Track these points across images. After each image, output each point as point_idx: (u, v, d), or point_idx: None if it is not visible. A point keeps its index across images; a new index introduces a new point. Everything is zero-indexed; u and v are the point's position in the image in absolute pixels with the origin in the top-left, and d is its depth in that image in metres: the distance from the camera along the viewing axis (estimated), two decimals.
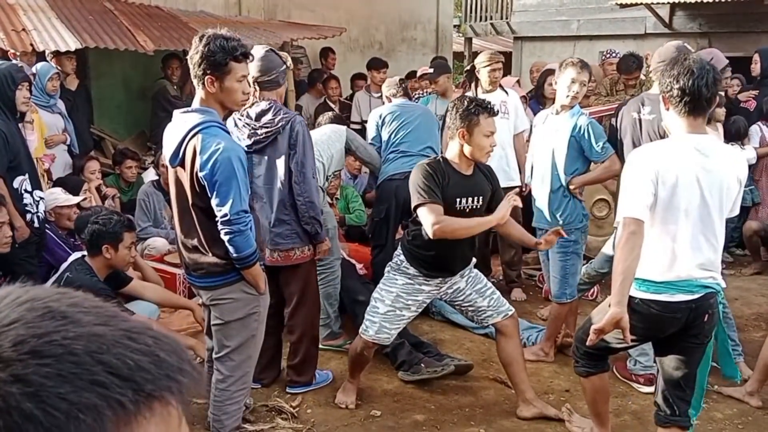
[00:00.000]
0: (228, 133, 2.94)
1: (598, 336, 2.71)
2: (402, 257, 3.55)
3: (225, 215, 2.85)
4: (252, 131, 3.60)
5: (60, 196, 4.73)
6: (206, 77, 2.86)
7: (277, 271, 3.83)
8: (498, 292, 3.72)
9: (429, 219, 3.28)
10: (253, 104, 3.61)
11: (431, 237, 3.30)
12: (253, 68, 3.56)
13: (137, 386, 0.52)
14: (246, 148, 3.52)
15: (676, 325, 2.76)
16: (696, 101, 2.64)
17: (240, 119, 3.65)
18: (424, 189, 3.30)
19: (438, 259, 3.46)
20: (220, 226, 2.88)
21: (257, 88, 3.60)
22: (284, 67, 3.69)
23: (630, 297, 2.68)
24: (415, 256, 3.50)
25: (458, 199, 3.38)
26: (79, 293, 0.58)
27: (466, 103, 3.36)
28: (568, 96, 4.11)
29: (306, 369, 3.97)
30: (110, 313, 0.56)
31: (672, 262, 2.70)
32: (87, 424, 0.48)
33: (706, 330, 2.78)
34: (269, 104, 3.62)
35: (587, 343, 2.84)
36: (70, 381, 0.49)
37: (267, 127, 3.59)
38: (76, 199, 4.75)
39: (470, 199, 3.41)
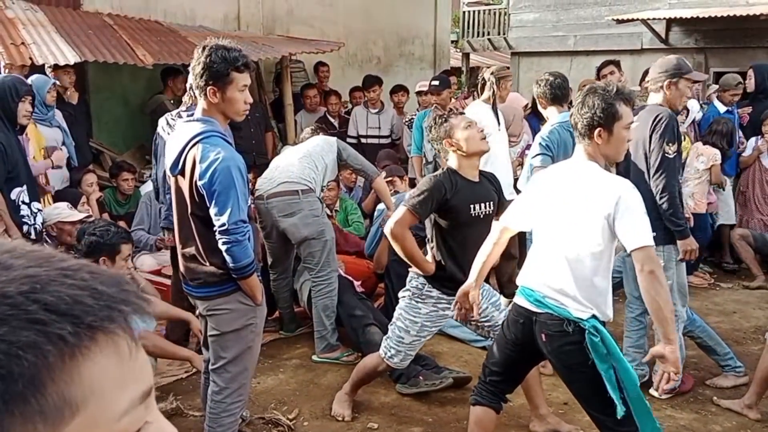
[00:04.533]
0: (229, 143, 2.95)
1: (462, 303, 3.10)
2: (422, 280, 3.52)
3: (223, 225, 2.84)
4: None
5: (63, 212, 4.73)
6: (208, 88, 2.87)
7: None
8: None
9: (396, 219, 3.37)
10: (188, 107, 3.84)
11: (387, 233, 3.44)
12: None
13: (76, 319, 0.52)
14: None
15: (519, 331, 2.86)
16: (576, 130, 2.84)
17: (173, 119, 4.10)
18: (418, 198, 3.36)
19: (457, 271, 3.45)
20: (217, 236, 2.87)
21: (196, 94, 3.87)
22: None
23: None
24: (434, 277, 3.50)
25: (471, 206, 3.42)
26: (16, 241, 0.58)
27: (436, 119, 3.56)
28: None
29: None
30: (45, 255, 0.56)
31: (526, 271, 2.90)
32: (29, 360, 0.49)
33: (552, 352, 2.75)
34: None
35: (454, 317, 3.23)
36: (6, 322, 0.49)
37: None
38: (79, 216, 4.74)
39: (482, 205, 3.46)
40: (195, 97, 3.01)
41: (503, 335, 2.99)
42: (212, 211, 2.86)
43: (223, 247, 2.87)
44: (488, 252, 3.07)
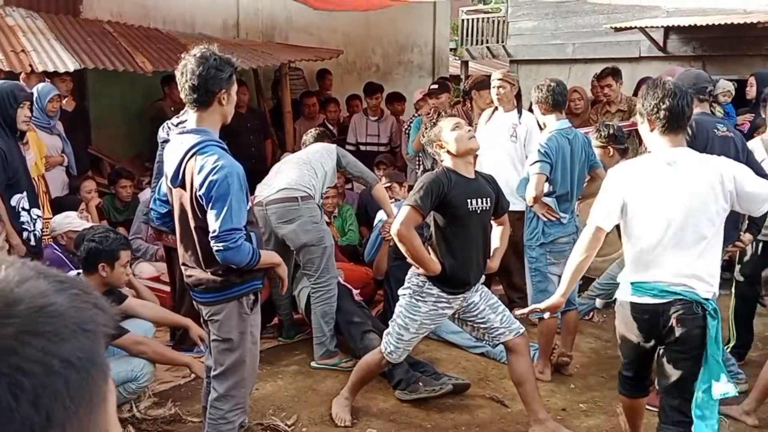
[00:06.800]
0: (226, 150, 2.96)
1: (543, 311, 3.30)
2: (423, 278, 3.55)
3: (214, 231, 2.84)
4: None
5: (74, 221, 4.77)
6: (221, 93, 2.90)
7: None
8: (507, 309, 3.75)
9: (402, 220, 3.40)
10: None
11: (393, 234, 3.48)
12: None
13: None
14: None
15: (645, 328, 2.94)
16: (680, 119, 2.92)
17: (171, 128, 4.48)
18: (419, 194, 3.41)
19: (457, 268, 3.49)
20: (211, 242, 2.86)
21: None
22: None
23: (617, 301, 3.11)
24: (435, 275, 3.52)
25: (468, 201, 3.48)
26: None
27: (427, 124, 3.72)
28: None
29: (188, 339, 4.12)
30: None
31: (642, 268, 2.92)
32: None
33: (683, 336, 2.85)
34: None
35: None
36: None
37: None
38: (89, 225, 4.76)
39: (479, 200, 3.52)
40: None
41: (624, 343, 3.10)
42: (208, 217, 2.87)
43: (218, 255, 2.86)
44: (582, 259, 3.08)
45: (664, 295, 2.85)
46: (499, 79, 5.32)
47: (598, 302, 5.53)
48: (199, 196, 2.85)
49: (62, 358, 0.59)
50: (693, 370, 2.86)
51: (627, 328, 3.03)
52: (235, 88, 2.99)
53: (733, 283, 4.59)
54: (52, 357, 0.59)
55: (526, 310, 3.49)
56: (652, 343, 3.00)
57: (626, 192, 2.95)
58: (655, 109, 2.91)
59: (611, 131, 4.95)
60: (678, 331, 2.84)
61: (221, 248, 2.84)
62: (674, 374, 2.93)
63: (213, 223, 2.84)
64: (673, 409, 2.94)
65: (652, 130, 2.97)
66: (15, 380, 0.57)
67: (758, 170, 3.97)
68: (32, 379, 0.58)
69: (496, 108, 5.42)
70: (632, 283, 2.95)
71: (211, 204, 2.84)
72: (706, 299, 2.83)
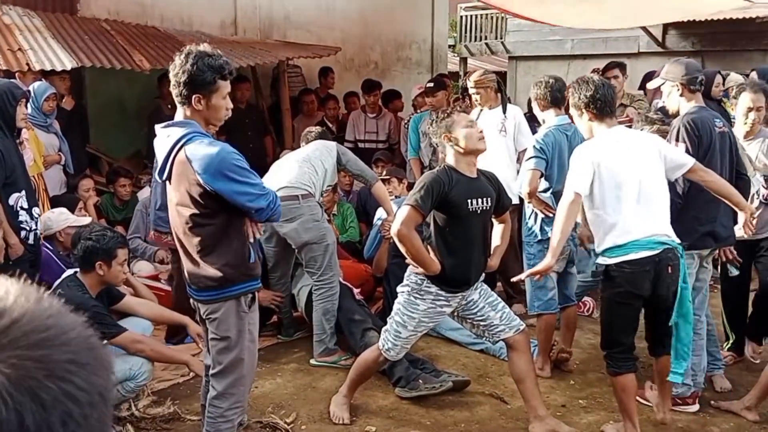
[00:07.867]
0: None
1: (535, 274, 3.54)
2: (421, 275, 3.53)
3: (254, 213, 2.90)
4: None
5: (70, 217, 4.75)
6: (194, 96, 2.86)
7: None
8: (507, 307, 3.74)
9: (402, 219, 3.39)
10: None
11: (393, 234, 3.49)
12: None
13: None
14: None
15: (647, 279, 3.28)
16: (611, 105, 3.44)
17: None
18: (420, 194, 3.38)
19: (456, 268, 3.48)
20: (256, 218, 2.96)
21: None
22: None
23: (606, 267, 3.37)
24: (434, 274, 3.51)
25: (469, 201, 3.46)
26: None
27: (437, 115, 3.72)
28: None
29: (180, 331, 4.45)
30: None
31: (627, 229, 3.28)
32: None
33: (672, 280, 3.28)
34: None
35: (532, 278, 3.74)
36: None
37: None
38: (85, 221, 4.75)
39: (480, 200, 3.50)
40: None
41: (624, 309, 3.38)
42: (236, 204, 2.87)
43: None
44: (566, 224, 3.37)
45: (658, 246, 3.25)
46: (472, 88, 5.36)
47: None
48: (205, 184, 2.82)
49: (98, 392, 0.60)
50: (673, 302, 3.31)
51: (631, 286, 3.29)
52: (220, 93, 2.91)
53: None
54: (93, 389, 0.60)
55: (518, 277, 3.79)
56: (646, 297, 3.34)
57: (595, 164, 3.31)
58: (592, 100, 3.40)
59: (659, 116, 4.94)
60: (669, 278, 3.26)
61: (270, 217, 2.97)
62: (666, 314, 3.34)
63: (250, 206, 2.88)
64: (665, 335, 3.40)
65: (591, 120, 3.44)
66: (67, 409, 0.57)
67: (741, 165, 3.97)
68: (80, 409, 0.58)
69: (482, 108, 5.42)
70: (624, 245, 3.27)
71: (229, 194, 2.84)
72: (679, 244, 3.31)
